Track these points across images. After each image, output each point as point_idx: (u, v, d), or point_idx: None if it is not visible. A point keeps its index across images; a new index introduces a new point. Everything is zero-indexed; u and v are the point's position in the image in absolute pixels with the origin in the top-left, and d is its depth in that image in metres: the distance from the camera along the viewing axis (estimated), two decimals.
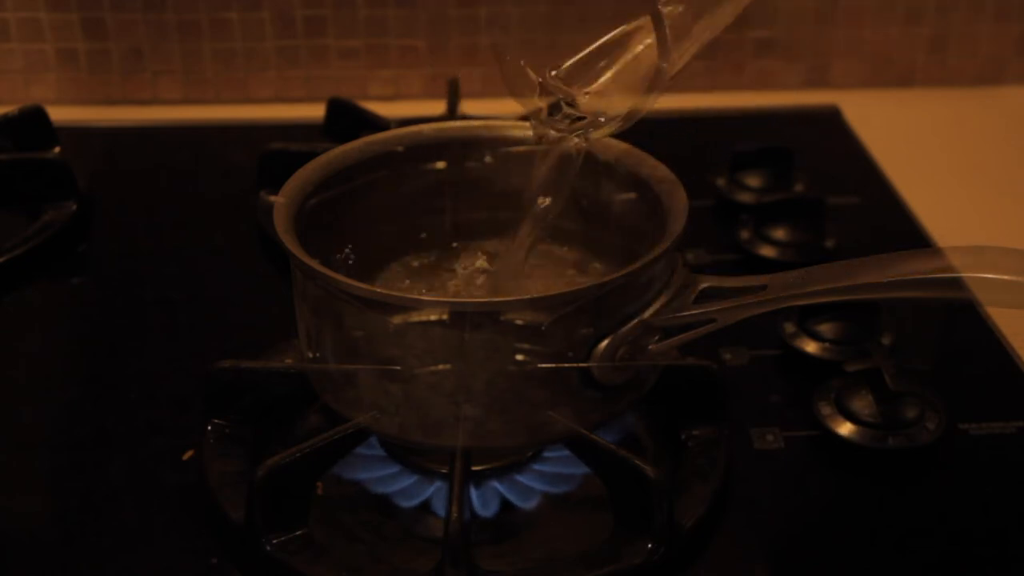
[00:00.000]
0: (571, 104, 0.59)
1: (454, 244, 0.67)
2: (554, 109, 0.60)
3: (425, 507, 0.60)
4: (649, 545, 0.55)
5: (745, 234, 0.80)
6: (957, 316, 0.73)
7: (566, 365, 0.55)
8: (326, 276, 0.54)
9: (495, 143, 0.66)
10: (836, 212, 0.81)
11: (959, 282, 0.52)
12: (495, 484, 0.60)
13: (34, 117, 0.90)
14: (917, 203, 0.86)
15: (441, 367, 0.54)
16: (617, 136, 0.63)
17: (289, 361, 0.65)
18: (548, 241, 0.66)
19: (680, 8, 0.56)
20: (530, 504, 0.60)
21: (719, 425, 0.62)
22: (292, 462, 0.56)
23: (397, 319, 0.54)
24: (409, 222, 0.66)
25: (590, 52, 0.58)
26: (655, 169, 0.61)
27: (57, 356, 0.74)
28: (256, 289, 0.78)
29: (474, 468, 0.59)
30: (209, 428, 0.62)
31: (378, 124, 0.87)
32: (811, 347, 0.69)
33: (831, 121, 0.98)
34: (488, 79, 1.01)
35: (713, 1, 0.57)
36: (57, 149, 0.89)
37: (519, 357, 0.54)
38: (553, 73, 0.58)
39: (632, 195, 0.62)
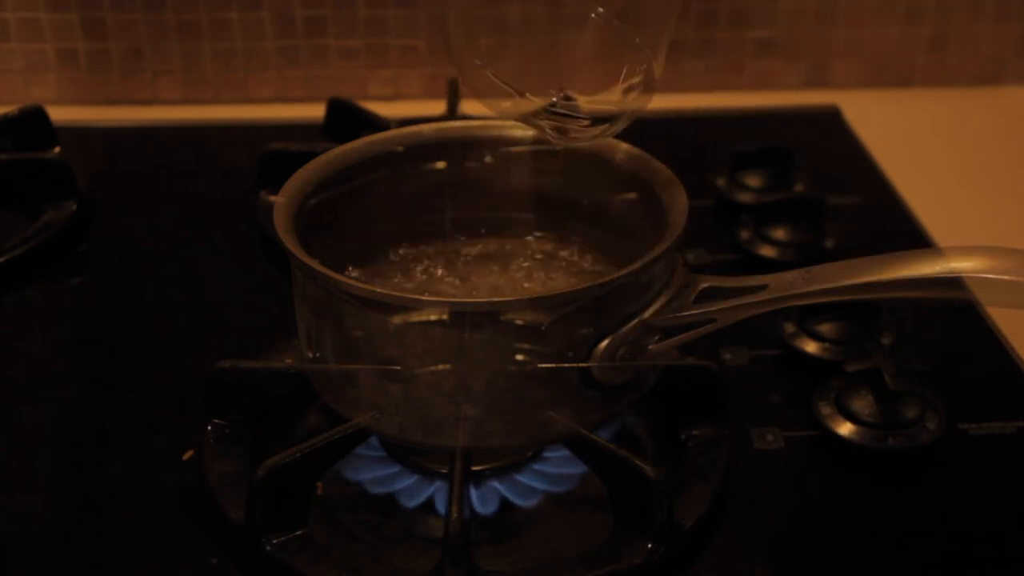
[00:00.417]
0: (570, 111, 0.59)
1: (454, 244, 0.67)
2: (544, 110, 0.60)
3: (425, 507, 0.60)
4: (649, 545, 0.55)
5: (745, 234, 0.80)
6: (957, 316, 0.73)
7: (566, 365, 0.55)
8: (326, 276, 0.54)
9: (495, 143, 0.66)
10: (836, 212, 0.81)
11: (959, 282, 0.52)
12: (495, 484, 0.60)
13: (34, 117, 0.90)
14: (917, 203, 0.86)
15: (441, 367, 0.54)
16: (617, 136, 0.63)
17: (289, 361, 0.65)
18: (548, 241, 0.67)
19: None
20: (530, 504, 0.60)
21: (719, 425, 0.62)
22: (292, 462, 0.56)
23: (397, 319, 0.54)
24: (409, 222, 0.66)
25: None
26: (655, 169, 0.61)
27: (57, 356, 0.74)
28: (256, 289, 0.78)
29: (474, 468, 0.59)
30: (209, 428, 0.62)
31: (378, 124, 0.87)
32: (811, 347, 0.69)
33: (831, 121, 0.98)
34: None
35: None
36: (57, 149, 0.89)
37: (519, 357, 0.54)
38: (561, 95, 0.59)
39: (632, 195, 0.62)
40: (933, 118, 1.00)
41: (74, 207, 0.83)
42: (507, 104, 0.59)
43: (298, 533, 0.57)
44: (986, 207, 0.88)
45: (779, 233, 0.79)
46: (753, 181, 0.85)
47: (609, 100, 0.59)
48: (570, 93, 0.60)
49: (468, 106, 0.92)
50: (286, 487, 0.56)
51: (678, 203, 0.58)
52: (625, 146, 0.63)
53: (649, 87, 0.57)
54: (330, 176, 0.62)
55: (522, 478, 0.60)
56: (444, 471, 0.59)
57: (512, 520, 0.60)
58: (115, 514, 0.60)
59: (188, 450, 0.63)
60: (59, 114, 0.92)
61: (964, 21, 1.02)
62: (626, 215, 0.63)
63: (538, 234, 0.67)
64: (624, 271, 0.54)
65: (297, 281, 0.58)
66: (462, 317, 0.53)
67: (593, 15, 0.56)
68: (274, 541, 0.56)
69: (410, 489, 0.60)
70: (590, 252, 0.66)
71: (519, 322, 0.54)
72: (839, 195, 0.85)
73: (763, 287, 0.56)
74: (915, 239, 0.81)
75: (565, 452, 0.60)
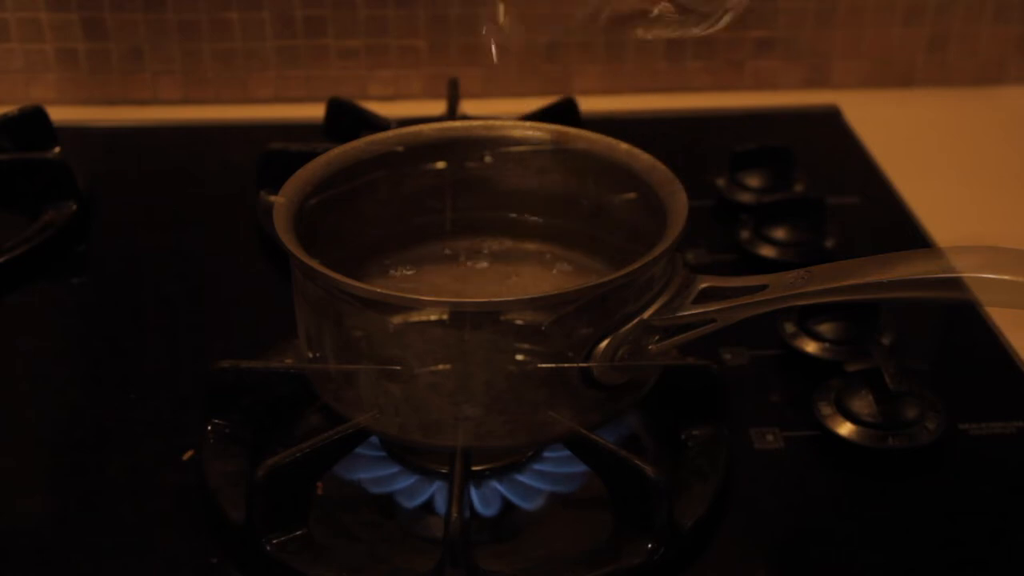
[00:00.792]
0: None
1: (454, 244, 0.67)
2: None
3: (425, 507, 0.60)
4: (649, 545, 0.55)
5: (745, 234, 0.80)
6: (957, 316, 0.73)
7: (566, 365, 0.55)
8: (326, 276, 0.54)
9: (495, 143, 0.66)
10: (836, 212, 0.81)
11: (959, 282, 0.52)
12: (495, 484, 0.60)
13: (34, 117, 0.90)
14: (917, 203, 0.86)
15: (441, 367, 0.54)
16: (617, 136, 0.63)
17: (289, 361, 0.65)
18: (548, 241, 0.67)
19: None
20: (530, 504, 0.60)
21: (719, 425, 0.62)
22: (292, 462, 0.56)
23: (397, 319, 0.54)
24: (409, 222, 0.66)
25: None
26: (655, 169, 0.61)
27: (57, 356, 0.74)
28: (256, 289, 0.78)
29: (474, 468, 0.59)
30: (209, 428, 0.62)
31: (378, 124, 0.87)
32: (811, 347, 0.69)
33: (831, 121, 0.98)
34: (488, 79, 1.01)
35: None
36: (57, 149, 0.89)
37: (519, 357, 0.54)
38: None
39: (632, 195, 0.62)
40: (933, 118, 1.00)
41: (74, 207, 0.83)
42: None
43: (298, 533, 0.57)
44: (986, 207, 0.88)
45: (779, 233, 0.79)
46: (753, 181, 0.85)
47: None
48: None
49: (468, 106, 0.92)
50: (286, 487, 0.56)
51: (678, 203, 0.58)
52: (625, 146, 0.63)
53: None
54: (330, 176, 0.62)
55: (522, 478, 0.60)
56: (444, 471, 0.59)
57: (512, 520, 0.60)
58: (115, 514, 0.61)
59: (188, 450, 0.63)
60: (59, 114, 0.92)
61: (964, 21, 1.02)
62: (626, 215, 0.63)
63: (538, 234, 0.67)
64: (624, 271, 0.54)
65: (297, 281, 0.58)
66: (462, 317, 0.53)
67: None
68: (274, 541, 0.56)
69: (410, 489, 0.60)
70: (590, 252, 0.66)
71: (519, 322, 0.54)
72: (839, 195, 0.85)
73: (763, 287, 0.56)
74: (915, 239, 0.81)
75: (565, 452, 0.60)
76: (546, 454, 0.61)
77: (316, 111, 0.92)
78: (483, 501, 0.59)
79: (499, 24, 0.61)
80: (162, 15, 0.98)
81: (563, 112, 0.89)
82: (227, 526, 0.58)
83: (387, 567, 0.57)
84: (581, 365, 0.55)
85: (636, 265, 0.54)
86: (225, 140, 0.96)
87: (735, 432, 0.64)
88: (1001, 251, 0.52)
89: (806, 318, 0.70)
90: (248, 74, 1.01)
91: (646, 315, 0.56)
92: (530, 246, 0.67)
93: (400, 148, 0.65)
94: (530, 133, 0.65)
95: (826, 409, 0.64)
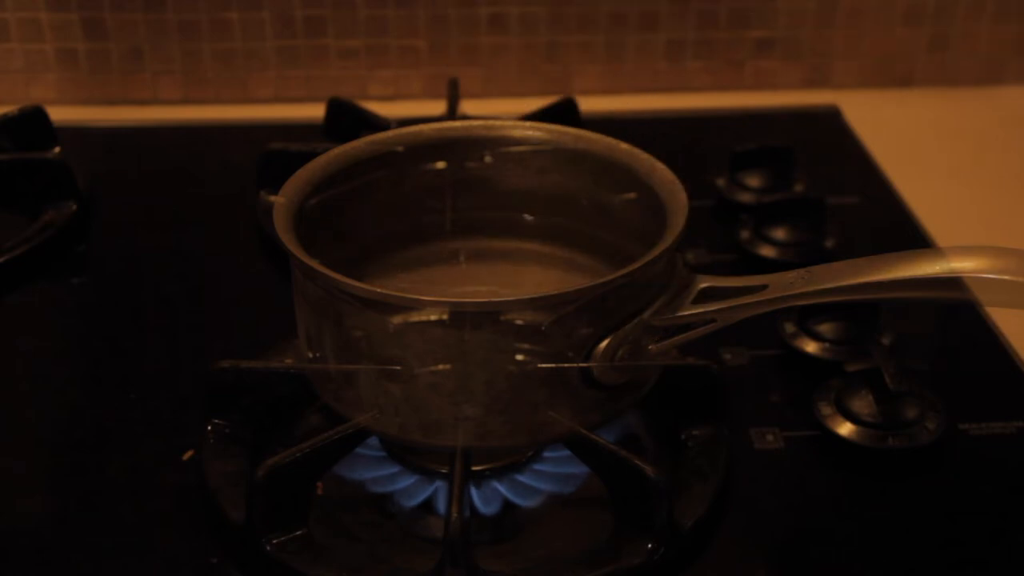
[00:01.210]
0: None
1: (454, 244, 0.67)
2: None
3: (425, 507, 0.60)
4: (649, 545, 0.55)
5: (745, 234, 0.80)
6: (957, 316, 0.73)
7: (566, 365, 0.55)
8: (326, 276, 0.54)
9: (495, 143, 0.66)
10: (836, 212, 0.81)
11: (959, 282, 0.52)
12: (495, 484, 0.60)
13: (34, 117, 0.90)
14: (917, 203, 0.86)
15: (441, 367, 0.54)
16: (617, 136, 0.63)
17: (289, 361, 0.65)
18: (548, 241, 0.67)
19: None
20: (530, 504, 0.60)
21: (719, 425, 0.62)
22: (292, 462, 0.56)
23: (397, 319, 0.54)
24: (409, 222, 0.66)
25: None
26: (655, 169, 0.61)
27: (57, 356, 0.74)
28: (256, 289, 0.78)
29: (474, 468, 0.59)
30: (209, 428, 0.62)
31: (378, 124, 0.87)
32: (811, 347, 0.69)
33: (831, 121, 0.98)
34: (488, 79, 1.01)
35: None
36: (57, 149, 0.89)
37: (519, 357, 0.54)
38: None
39: (632, 195, 0.62)
40: (933, 118, 1.00)
41: (74, 207, 0.83)
42: None
43: (298, 533, 0.57)
44: (986, 207, 0.88)
45: (779, 233, 0.79)
46: (753, 181, 0.85)
47: None
48: None
49: (468, 106, 0.92)
50: (286, 487, 0.56)
51: (678, 203, 0.58)
52: (625, 146, 0.63)
53: None
54: (330, 176, 0.62)
55: (523, 478, 0.60)
56: (444, 471, 0.59)
57: (512, 520, 0.60)
58: (115, 514, 0.60)
59: (188, 450, 0.63)
60: (59, 114, 0.92)
61: (964, 21, 1.02)
62: (626, 215, 0.63)
63: (538, 234, 0.67)
64: (624, 271, 0.54)
65: (297, 281, 0.58)
66: (462, 317, 0.53)
67: None
68: (274, 541, 0.56)
69: (410, 489, 0.60)
70: (590, 252, 0.66)
71: (519, 322, 0.54)
72: (839, 195, 0.85)
73: (763, 287, 0.56)
74: (915, 239, 0.81)
75: (565, 452, 0.60)
76: (546, 454, 0.61)
77: (316, 111, 0.92)
78: (483, 501, 0.59)
79: None
80: (162, 15, 0.98)
81: (563, 112, 0.89)
82: (227, 526, 0.58)
83: (387, 567, 0.57)
84: (581, 365, 0.55)
85: (636, 265, 0.54)
86: (225, 140, 0.96)
87: (735, 432, 0.64)
88: (1001, 251, 0.52)
89: (806, 318, 0.70)
90: (248, 74, 1.01)
91: (646, 315, 0.56)
92: (530, 246, 0.67)
93: (400, 148, 0.65)
94: (530, 133, 0.65)
95: (826, 409, 0.64)
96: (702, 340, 0.57)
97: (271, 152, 0.82)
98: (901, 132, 0.97)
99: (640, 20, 1.00)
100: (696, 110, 0.99)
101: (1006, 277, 0.51)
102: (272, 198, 0.59)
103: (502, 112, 0.86)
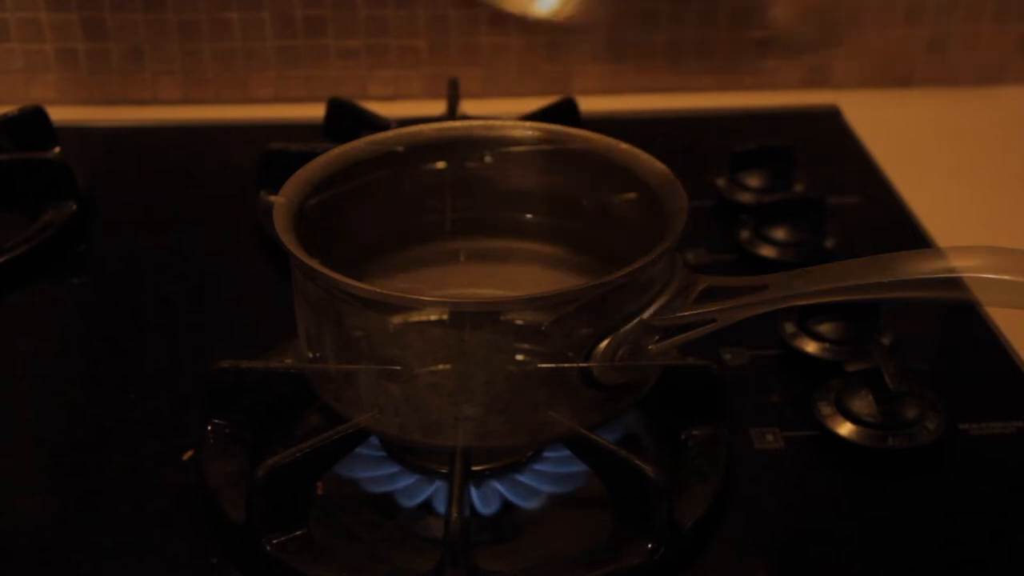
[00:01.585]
0: None
1: (454, 244, 0.67)
2: None
3: (425, 507, 0.60)
4: (649, 545, 0.55)
5: (745, 234, 0.80)
6: (957, 316, 0.73)
7: (566, 365, 0.55)
8: (326, 276, 0.54)
9: (495, 143, 0.66)
10: (836, 212, 0.81)
11: (959, 282, 0.52)
12: (495, 484, 0.60)
13: (34, 117, 0.90)
14: (917, 203, 0.86)
15: (441, 367, 0.54)
16: (617, 136, 0.63)
17: (289, 361, 0.65)
18: (548, 241, 0.67)
19: None
20: (530, 504, 0.60)
21: (719, 425, 0.62)
22: (292, 462, 0.56)
23: (397, 319, 0.54)
24: (409, 222, 0.66)
25: None
26: (655, 169, 0.61)
27: (57, 356, 0.74)
28: (256, 289, 0.78)
29: (474, 468, 0.59)
30: (209, 428, 0.62)
31: (378, 124, 0.87)
32: (811, 347, 0.69)
33: (831, 121, 0.98)
34: (488, 79, 1.01)
35: None
36: (57, 149, 0.89)
37: (519, 357, 0.54)
38: None
39: (632, 195, 0.62)
40: (933, 118, 1.00)
41: (74, 207, 0.83)
42: None
43: (298, 533, 0.57)
44: (986, 207, 0.88)
45: (779, 233, 0.79)
46: (753, 181, 0.85)
47: None
48: None
49: (468, 106, 0.92)
50: (286, 487, 0.56)
51: (678, 203, 0.58)
52: (625, 146, 0.63)
53: None
54: (330, 176, 0.62)
55: (523, 478, 0.60)
56: (444, 471, 0.59)
57: (512, 520, 0.60)
58: (115, 514, 0.60)
59: (188, 450, 0.63)
60: (59, 114, 0.92)
61: (964, 21, 1.02)
62: (626, 215, 0.63)
63: (538, 234, 0.67)
64: (624, 271, 0.54)
65: (297, 281, 0.58)
66: (462, 317, 0.53)
67: None
68: (274, 541, 0.56)
69: (410, 489, 0.60)
70: (590, 252, 0.66)
71: (519, 322, 0.54)
72: (839, 195, 0.85)
73: (763, 287, 0.56)
74: (915, 239, 0.81)
75: (565, 452, 0.60)
76: (546, 454, 0.61)
77: (316, 111, 0.92)
78: (483, 501, 0.59)
79: None
80: (162, 15, 0.98)
81: (563, 112, 0.89)
82: (227, 526, 0.58)
83: (387, 567, 0.57)
84: (581, 365, 0.55)
85: (636, 265, 0.54)
86: (225, 140, 0.96)
87: (735, 432, 0.64)
88: (1001, 251, 0.52)
89: (806, 318, 0.70)
90: (248, 74, 1.01)
91: (646, 315, 0.56)
92: (530, 246, 0.67)
93: (400, 148, 0.65)
94: (530, 133, 0.65)
95: (826, 409, 0.64)
96: (702, 340, 0.57)
97: (271, 152, 0.82)
98: (901, 132, 0.97)
99: (640, 20, 1.00)
100: (696, 110, 0.99)
101: (1006, 277, 0.51)
102: (272, 198, 0.59)
103: (502, 112, 0.86)
